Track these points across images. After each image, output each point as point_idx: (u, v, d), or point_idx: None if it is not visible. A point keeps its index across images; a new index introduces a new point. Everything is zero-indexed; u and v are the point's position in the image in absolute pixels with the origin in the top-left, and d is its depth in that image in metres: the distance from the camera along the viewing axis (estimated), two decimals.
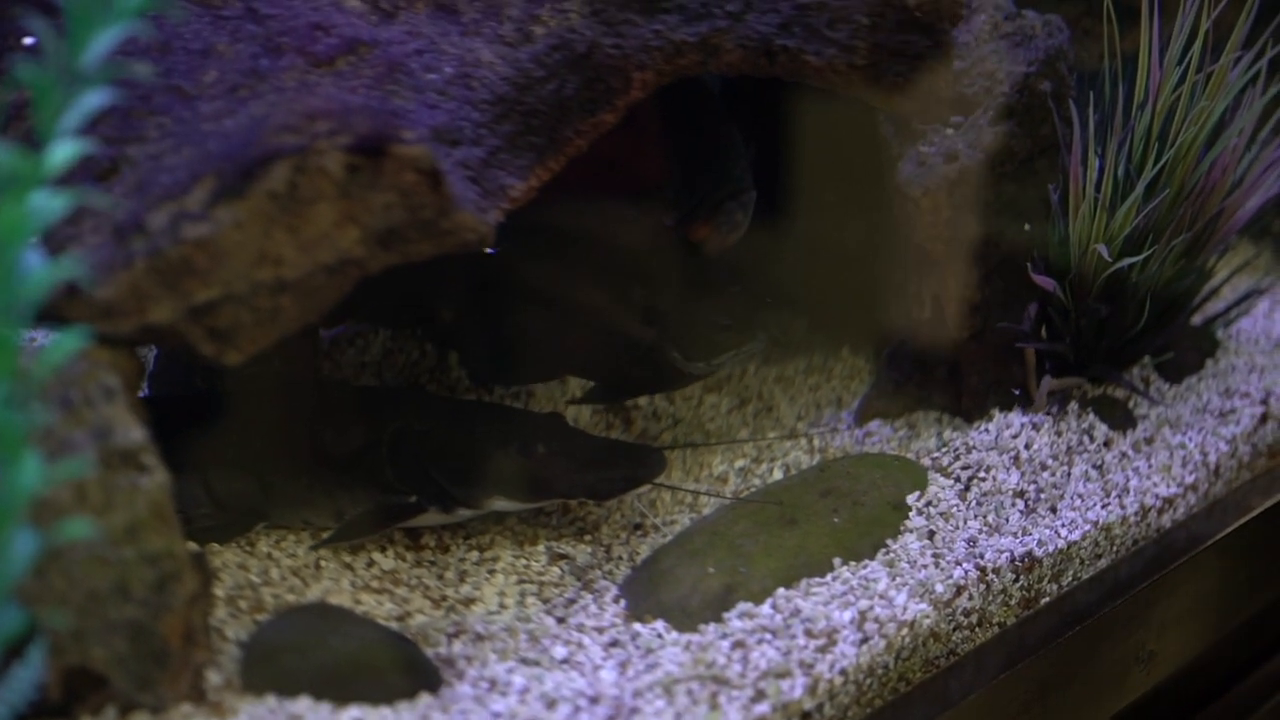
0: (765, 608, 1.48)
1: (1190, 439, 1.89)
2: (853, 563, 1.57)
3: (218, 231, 1.27)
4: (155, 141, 1.38)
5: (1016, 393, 1.84)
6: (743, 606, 1.48)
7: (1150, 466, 1.83)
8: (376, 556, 1.63)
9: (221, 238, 1.28)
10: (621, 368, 1.84)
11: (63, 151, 1.08)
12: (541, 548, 1.66)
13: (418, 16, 1.52)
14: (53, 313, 1.24)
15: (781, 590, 1.51)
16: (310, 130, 1.30)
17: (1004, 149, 1.74)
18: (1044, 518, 1.70)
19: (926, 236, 1.73)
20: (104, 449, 1.24)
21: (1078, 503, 1.74)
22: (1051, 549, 1.66)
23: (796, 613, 1.47)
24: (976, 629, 1.59)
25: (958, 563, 1.59)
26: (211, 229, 1.27)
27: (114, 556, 1.24)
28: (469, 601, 1.56)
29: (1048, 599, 1.68)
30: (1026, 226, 1.79)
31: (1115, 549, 1.76)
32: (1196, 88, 1.80)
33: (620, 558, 1.65)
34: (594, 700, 1.34)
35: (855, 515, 1.61)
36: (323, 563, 1.61)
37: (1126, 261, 1.74)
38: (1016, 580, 1.63)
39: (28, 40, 1.47)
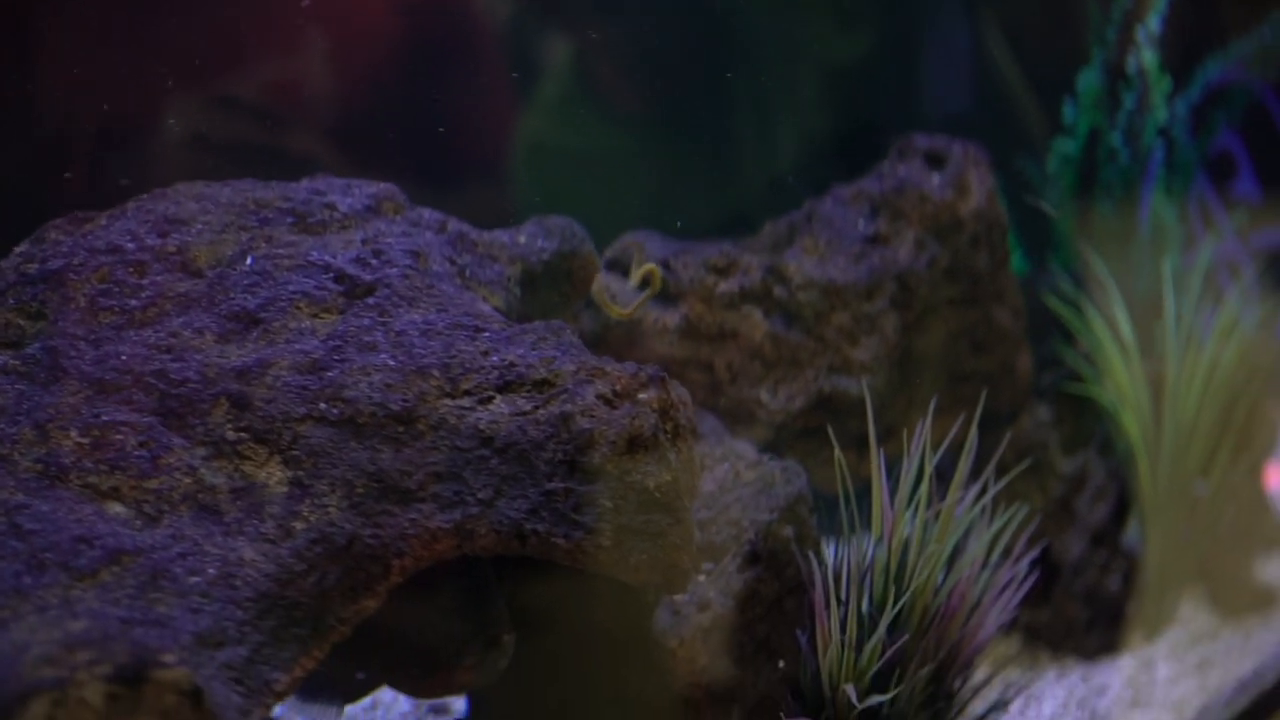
0: None
1: None
2: None
3: None
4: None
5: None
6: None
7: None
8: None
9: None
10: None
11: None
12: None
13: (181, 519, 1.58)
14: None
15: None
16: (69, 662, 1.34)
17: (752, 593, 1.85)
18: None
19: (684, 685, 1.81)
20: None
21: None
22: None
23: None
24: None
25: None
26: None
27: None
28: None
29: None
30: (780, 665, 1.88)
31: None
32: (928, 525, 1.95)
33: None
34: None
35: None
36: None
37: (875, 700, 1.84)
38: None
39: None
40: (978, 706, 2.21)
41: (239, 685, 1.50)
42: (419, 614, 1.82)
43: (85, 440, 1.60)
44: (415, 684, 1.91)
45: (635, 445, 1.63)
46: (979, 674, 2.17)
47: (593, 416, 1.63)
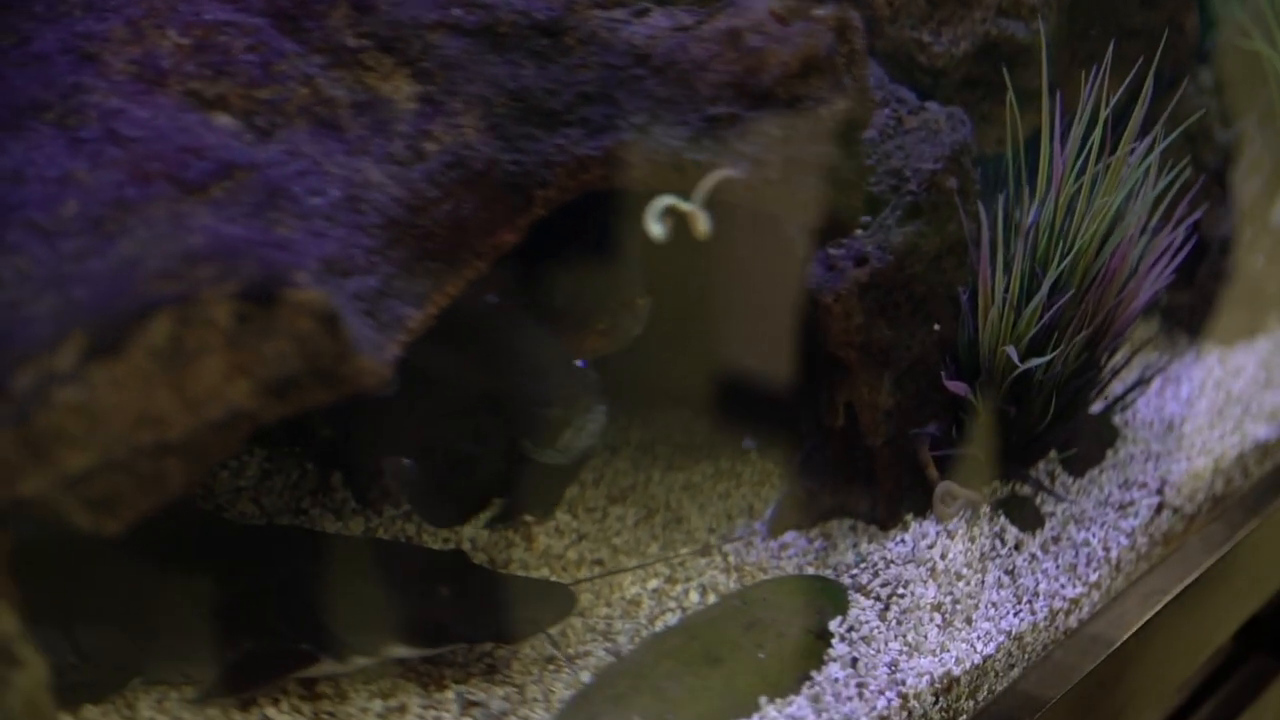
0: None
1: (1094, 535, 1.85)
2: (779, 700, 1.48)
3: (93, 394, 1.14)
4: (13, 287, 1.24)
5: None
6: None
7: (1057, 567, 1.78)
8: (270, 711, 1.49)
9: (97, 400, 1.15)
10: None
11: None
12: (451, 694, 1.53)
13: (298, 134, 1.39)
14: None
15: None
16: (192, 276, 1.18)
17: (912, 249, 1.68)
18: (960, 630, 1.64)
19: (839, 343, 1.66)
20: None
21: (991, 612, 1.68)
22: (969, 665, 1.60)
23: None
24: None
25: (880, 691, 1.51)
26: (85, 392, 1.14)
27: None
28: None
29: (965, 716, 1.62)
30: (935, 327, 1.73)
31: (1027, 657, 1.71)
32: (1097, 178, 1.76)
33: (536, 699, 1.53)
34: None
35: (780, 648, 1.53)
36: None
37: (1035, 363, 1.70)
38: (936, 702, 1.57)
39: None
40: (1116, 387, 2.08)
41: (370, 319, 1.34)
42: (547, 268, 1.66)
43: (186, 41, 1.41)
44: None
45: (810, 67, 1.44)
46: (1119, 355, 2.03)
47: (764, 33, 1.43)
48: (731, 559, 1.77)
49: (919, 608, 1.64)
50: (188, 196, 1.32)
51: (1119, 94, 1.78)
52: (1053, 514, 1.86)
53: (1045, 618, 1.72)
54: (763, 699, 1.48)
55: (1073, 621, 1.78)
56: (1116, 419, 2.08)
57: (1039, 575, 1.76)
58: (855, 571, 1.70)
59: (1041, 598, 1.73)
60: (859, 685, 1.52)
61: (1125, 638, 1.78)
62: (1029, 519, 1.82)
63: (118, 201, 1.30)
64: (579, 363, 1.69)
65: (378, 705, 1.52)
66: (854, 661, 1.56)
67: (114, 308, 1.17)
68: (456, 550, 1.58)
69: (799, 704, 1.48)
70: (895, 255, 1.65)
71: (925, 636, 1.61)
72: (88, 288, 1.21)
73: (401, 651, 1.51)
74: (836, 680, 1.52)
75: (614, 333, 1.65)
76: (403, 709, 1.51)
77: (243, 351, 1.20)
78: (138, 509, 1.21)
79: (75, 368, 1.14)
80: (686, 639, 1.54)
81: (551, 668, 1.59)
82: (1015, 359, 1.69)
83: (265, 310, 1.19)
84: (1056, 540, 1.83)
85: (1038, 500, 1.86)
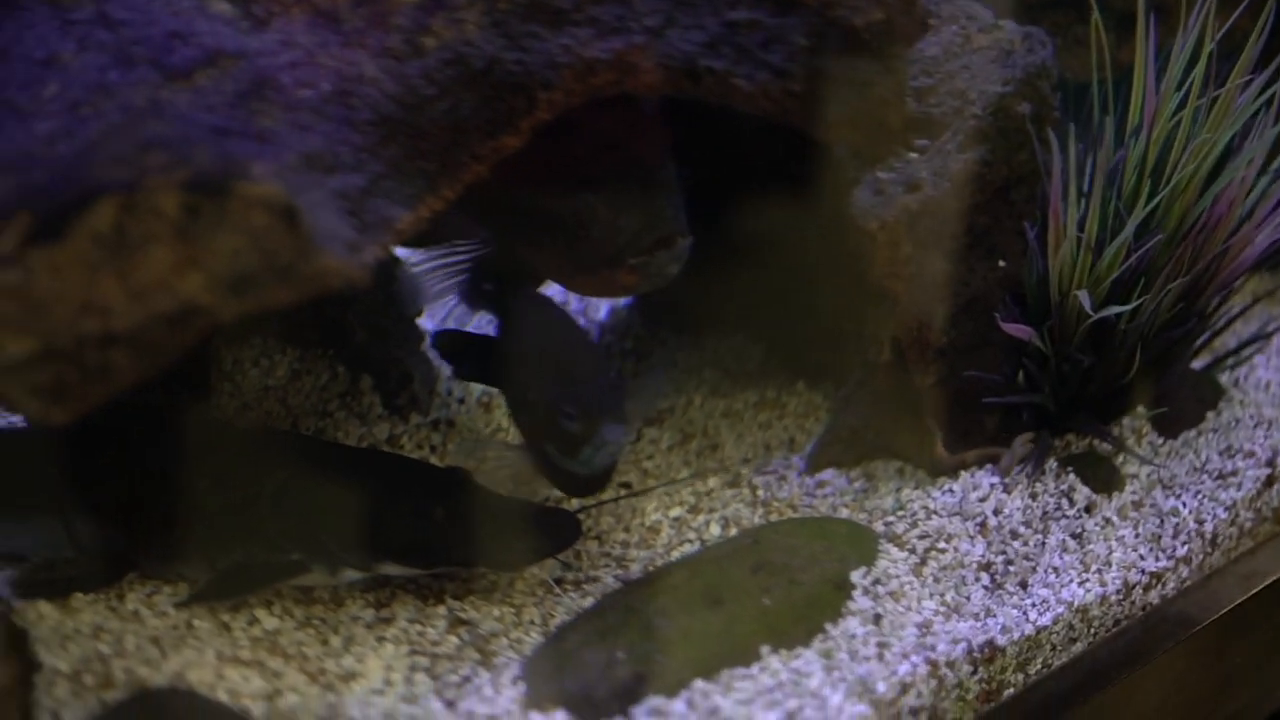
0: (679, 704, 1.30)
1: (1185, 504, 1.68)
2: (783, 651, 1.38)
3: (30, 279, 1.11)
4: None
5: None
6: (653, 701, 1.31)
7: (1137, 536, 1.63)
8: (260, 614, 1.47)
9: (36, 285, 1.11)
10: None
11: None
12: (442, 609, 1.48)
13: (293, 24, 1.34)
14: None
15: (699, 683, 1.33)
16: (141, 163, 1.14)
17: (975, 177, 1.54)
18: (1011, 595, 1.51)
19: (884, 274, 1.54)
20: None
21: (1051, 578, 1.54)
22: (1017, 635, 1.47)
23: (714, 712, 1.29)
24: None
25: (905, 655, 1.39)
26: (23, 276, 1.11)
27: None
28: (350, 677, 1.39)
29: (1011, 690, 1.49)
30: (1000, 263, 1.59)
31: (1093, 631, 1.57)
32: (1199, 113, 1.59)
33: (532, 622, 1.48)
34: None
35: (790, 595, 1.43)
36: (196, 622, 1.44)
37: (1111, 311, 1.54)
38: (974, 673, 1.44)
39: None
40: (1229, 340, 1.90)
41: (352, 217, 1.28)
42: (576, 193, 1.55)
43: None
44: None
45: None
46: (1236, 303, 1.84)
47: None
48: (760, 493, 1.67)
49: (962, 565, 1.52)
50: (169, 82, 1.28)
51: (1234, 18, 1.60)
52: (1135, 476, 1.70)
53: (1119, 590, 1.58)
54: (765, 648, 1.38)
55: (1153, 597, 1.64)
56: (1224, 377, 1.89)
57: (1113, 543, 1.61)
58: (890, 520, 1.58)
59: (1115, 568, 1.59)
60: (880, 645, 1.41)
61: (1212, 620, 1.63)
62: (1104, 479, 1.67)
63: (99, 85, 1.27)
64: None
65: (369, 615, 1.48)
66: (877, 618, 1.44)
67: (61, 191, 1.13)
68: (455, 469, 1.52)
69: (807, 658, 1.38)
70: (953, 183, 1.52)
71: (967, 598, 1.49)
72: (48, 171, 1.17)
73: (392, 569, 1.46)
74: (854, 637, 1.41)
75: (647, 270, 1.53)
76: (391, 620, 1.47)
77: (193, 244, 1.15)
78: (87, 400, 1.17)
79: (14, 251, 1.11)
80: (688, 576, 1.45)
81: (557, 592, 1.52)
82: (1087, 305, 1.54)
83: (215, 202, 1.14)
84: (1138, 506, 1.67)
85: (1118, 460, 1.70)
